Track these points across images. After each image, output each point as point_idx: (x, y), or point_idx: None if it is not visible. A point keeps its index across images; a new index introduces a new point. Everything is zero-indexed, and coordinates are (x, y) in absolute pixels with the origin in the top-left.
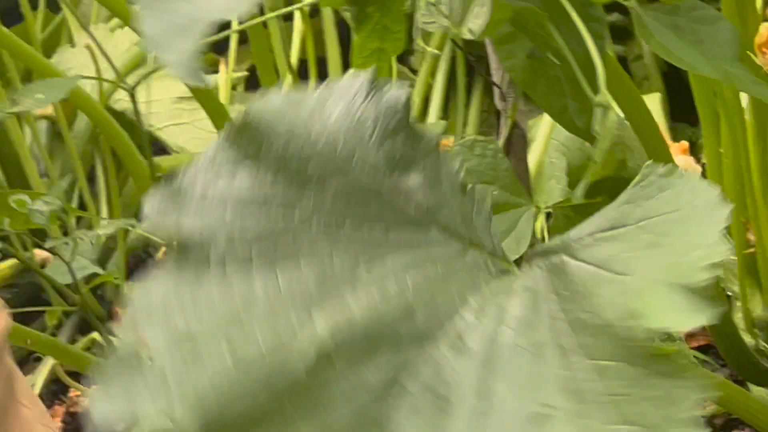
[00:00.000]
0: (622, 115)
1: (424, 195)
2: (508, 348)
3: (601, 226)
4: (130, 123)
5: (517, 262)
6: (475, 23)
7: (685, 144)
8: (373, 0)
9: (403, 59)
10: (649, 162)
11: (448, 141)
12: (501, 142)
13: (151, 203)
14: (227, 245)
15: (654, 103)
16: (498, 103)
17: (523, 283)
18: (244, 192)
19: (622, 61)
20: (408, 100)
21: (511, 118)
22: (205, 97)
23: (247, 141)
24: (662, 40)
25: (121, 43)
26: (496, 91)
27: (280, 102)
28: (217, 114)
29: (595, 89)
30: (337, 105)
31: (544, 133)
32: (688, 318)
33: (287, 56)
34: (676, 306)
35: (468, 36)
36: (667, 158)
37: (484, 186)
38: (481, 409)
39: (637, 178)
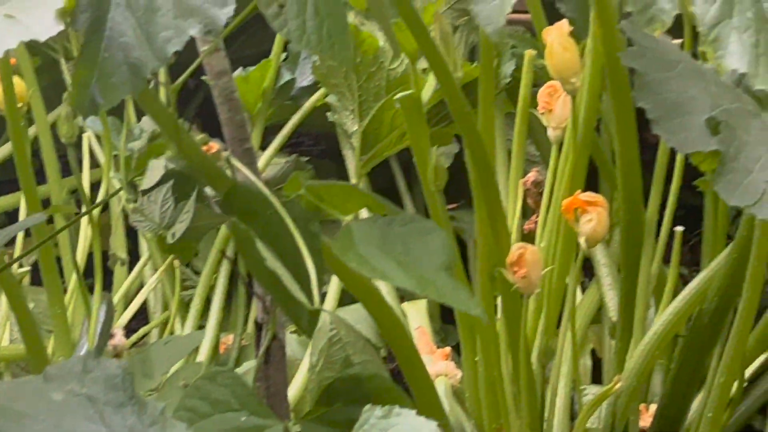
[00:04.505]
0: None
1: None
2: None
3: None
4: None
5: None
6: (179, 227)
7: (447, 350)
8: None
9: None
10: (368, 405)
11: (228, 338)
12: (261, 352)
13: None
14: None
15: (419, 309)
16: (259, 315)
17: None
18: None
19: None
20: (127, 374)
21: (271, 330)
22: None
23: None
24: (363, 251)
25: None
26: (259, 304)
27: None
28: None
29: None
30: (62, 386)
31: None
32: None
33: (73, 250)
34: None
35: (171, 240)
36: (420, 369)
37: (233, 414)
38: None
39: (359, 421)
